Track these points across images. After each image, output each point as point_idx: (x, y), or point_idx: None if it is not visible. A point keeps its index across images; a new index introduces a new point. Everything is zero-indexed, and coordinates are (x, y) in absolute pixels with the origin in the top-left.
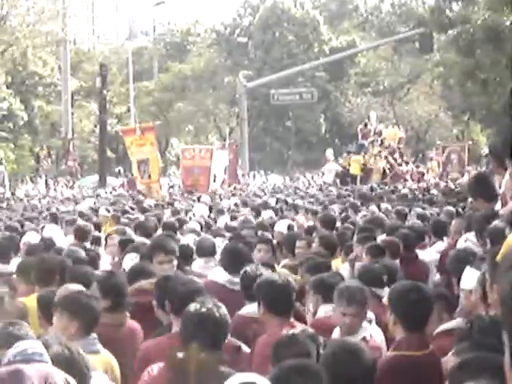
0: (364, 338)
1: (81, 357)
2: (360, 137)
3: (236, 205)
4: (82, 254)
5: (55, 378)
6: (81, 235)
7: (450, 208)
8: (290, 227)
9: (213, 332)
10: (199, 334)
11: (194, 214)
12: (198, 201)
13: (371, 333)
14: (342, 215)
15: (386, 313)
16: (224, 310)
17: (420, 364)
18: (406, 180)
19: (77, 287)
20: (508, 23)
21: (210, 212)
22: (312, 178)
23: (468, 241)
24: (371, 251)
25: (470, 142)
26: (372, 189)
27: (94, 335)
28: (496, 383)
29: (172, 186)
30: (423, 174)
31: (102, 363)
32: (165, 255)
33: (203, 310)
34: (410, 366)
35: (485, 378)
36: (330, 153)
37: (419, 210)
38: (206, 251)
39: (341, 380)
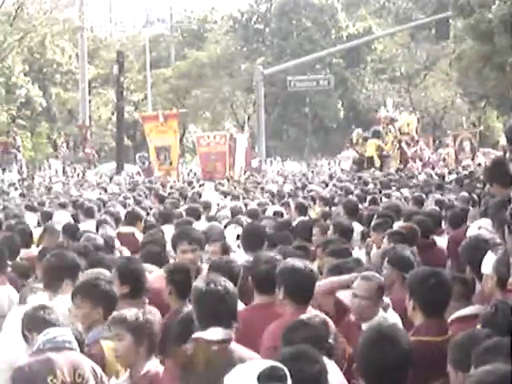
0: None
1: None
2: (375, 122)
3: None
4: (101, 240)
5: (84, 367)
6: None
7: (465, 194)
8: (275, 214)
9: (220, 308)
10: (208, 311)
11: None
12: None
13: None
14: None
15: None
16: (230, 285)
17: (439, 350)
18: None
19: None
20: None
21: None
22: (329, 164)
23: (482, 228)
24: (393, 237)
25: (481, 128)
26: (389, 175)
27: None
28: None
29: (188, 173)
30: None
31: None
32: (188, 244)
33: (207, 287)
34: (429, 352)
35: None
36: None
37: (437, 195)
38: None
39: (378, 366)
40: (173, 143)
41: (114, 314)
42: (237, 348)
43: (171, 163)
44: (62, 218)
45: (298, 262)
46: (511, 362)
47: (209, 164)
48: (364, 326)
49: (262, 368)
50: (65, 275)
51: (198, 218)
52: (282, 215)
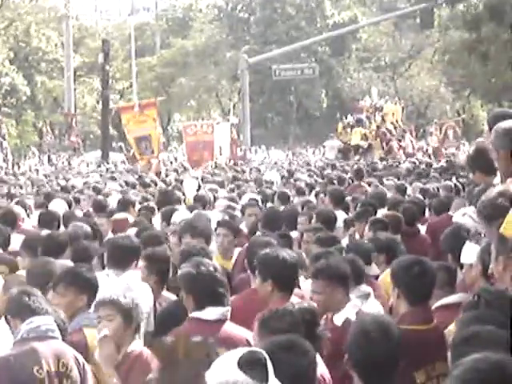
0: (346, 320)
1: None
2: (353, 112)
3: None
4: (88, 228)
5: (67, 356)
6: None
7: (449, 183)
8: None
9: (213, 288)
10: (202, 292)
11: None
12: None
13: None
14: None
15: (376, 290)
16: (217, 265)
17: (424, 338)
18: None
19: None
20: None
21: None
22: (313, 152)
23: (466, 215)
24: (374, 226)
25: (464, 116)
26: (373, 164)
27: None
28: (500, 356)
29: (171, 162)
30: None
31: None
32: (191, 238)
33: (198, 269)
34: (414, 340)
35: (488, 350)
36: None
37: (420, 184)
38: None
39: (369, 357)
40: (152, 132)
41: (104, 295)
42: (231, 327)
43: (153, 152)
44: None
45: (282, 252)
46: (498, 349)
47: (196, 153)
48: (335, 318)
49: (241, 354)
50: (131, 254)
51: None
52: (256, 202)
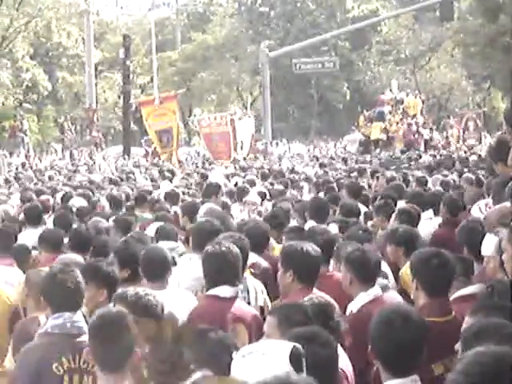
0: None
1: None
2: (378, 105)
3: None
4: (105, 224)
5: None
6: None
7: (469, 175)
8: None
9: (224, 267)
10: (213, 270)
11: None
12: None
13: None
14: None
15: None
16: (235, 248)
17: (443, 330)
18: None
19: (77, 257)
20: None
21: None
22: (335, 145)
23: (477, 207)
24: (400, 217)
25: (485, 109)
26: (395, 157)
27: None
28: (503, 348)
29: (198, 154)
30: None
31: None
32: None
33: (213, 249)
34: (432, 333)
35: (497, 343)
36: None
37: (440, 176)
38: None
39: (395, 346)
40: (173, 124)
41: (117, 292)
42: (242, 304)
43: (173, 145)
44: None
45: (306, 245)
46: (509, 343)
47: (213, 144)
48: (350, 306)
49: (289, 349)
50: (212, 238)
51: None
52: (264, 195)
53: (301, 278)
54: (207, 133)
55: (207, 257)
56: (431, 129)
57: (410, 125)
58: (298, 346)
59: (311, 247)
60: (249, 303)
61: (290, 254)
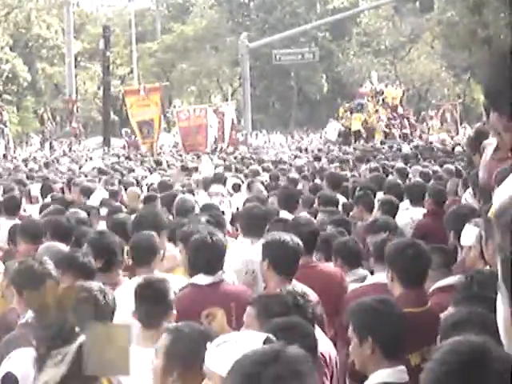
0: None
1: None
2: (357, 97)
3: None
4: (83, 214)
5: None
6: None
7: (450, 166)
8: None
9: (205, 256)
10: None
11: (200, 172)
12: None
13: None
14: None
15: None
16: (218, 236)
17: (419, 321)
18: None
19: (61, 246)
20: None
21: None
22: (321, 137)
23: (466, 200)
24: (383, 206)
25: (462, 100)
26: (375, 148)
27: None
28: (480, 338)
29: (175, 146)
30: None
31: None
32: None
33: (196, 238)
34: (409, 323)
35: (475, 333)
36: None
37: (419, 167)
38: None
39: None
40: (155, 116)
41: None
42: (228, 286)
43: (153, 137)
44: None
45: (284, 236)
46: (487, 333)
47: (189, 138)
48: None
49: (263, 339)
50: (264, 223)
51: None
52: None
53: (278, 269)
54: (185, 126)
55: (190, 246)
56: (408, 118)
57: (389, 119)
58: (271, 336)
59: (290, 238)
60: None
61: (267, 245)
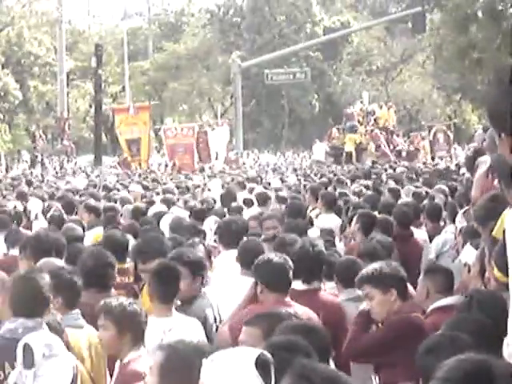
0: None
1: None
2: (345, 119)
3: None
4: (80, 231)
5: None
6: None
7: (442, 186)
8: None
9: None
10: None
11: (209, 190)
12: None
13: None
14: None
15: None
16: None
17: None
18: (391, 159)
19: (58, 262)
20: None
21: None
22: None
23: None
24: (362, 219)
25: (456, 121)
26: (368, 168)
27: (77, 310)
28: (484, 355)
29: (166, 165)
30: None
31: (86, 338)
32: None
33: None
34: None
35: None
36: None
37: (413, 188)
38: None
39: None
40: (142, 135)
41: (102, 303)
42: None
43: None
44: None
45: (270, 255)
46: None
47: (175, 156)
48: None
49: (256, 354)
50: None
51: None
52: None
53: (271, 287)
54: (172, 144)
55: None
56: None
57: (378, 136)
58: (266, 352)
59: (275, 255)
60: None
61: (256, 268)
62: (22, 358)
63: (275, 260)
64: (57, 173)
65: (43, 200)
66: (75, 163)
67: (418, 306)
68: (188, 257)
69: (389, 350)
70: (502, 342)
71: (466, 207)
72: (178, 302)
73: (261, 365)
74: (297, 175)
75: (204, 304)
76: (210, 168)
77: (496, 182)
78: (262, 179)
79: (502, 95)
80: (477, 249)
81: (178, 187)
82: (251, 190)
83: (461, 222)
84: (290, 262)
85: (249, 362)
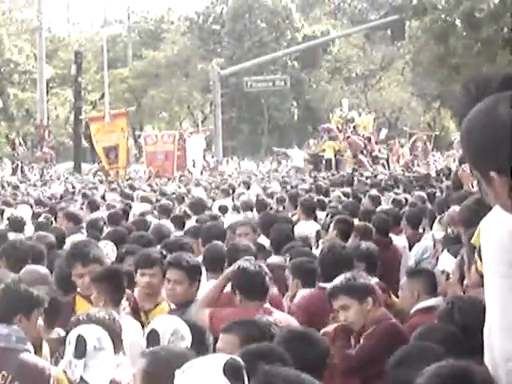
0: None
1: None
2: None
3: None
4: (52, 238)
5: (9, 368)
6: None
7: (421, 193)
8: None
9: None
10: None
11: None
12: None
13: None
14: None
15: None
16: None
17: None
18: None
19: (41, 269)
20: (485, 7)
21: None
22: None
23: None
24: (338, 225)
25: (437, 133)
26: (347, 175)
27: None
28: (463, 362)
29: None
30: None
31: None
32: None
33: None
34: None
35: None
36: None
37: (393, 194)
38: None
39: None
40: (120, 141)
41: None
42: None
43: (118, 162)
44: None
45: (245, 263)
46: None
47: (155, 163)
48: None
49: (225, 360)
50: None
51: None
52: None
53: (249, 296)
54: (151, 151)
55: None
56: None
57: (356, 143)
58: (236, 357)
59: (249, 263)
60: None
61: (233, 277)
62: (73, 348)
63: (250, 269)
64: (40, 180)
65: (31, 206)
66: (54, 171)
67: (387, 312)
68: (186, 261)
69: (379, 360)
70: (474, 349)
71: (442, 215)
72: (174, 306)
73: (229, 370)
74: (281, 183)
75: None
76: (185, 176)
77: None
78: (249, 186)
79: (488, 120)
80: (455, 256)
81: (163, 194)
82: (238, 197)
83: (437, 229)
84: (266, 269)
85: (217, 369)
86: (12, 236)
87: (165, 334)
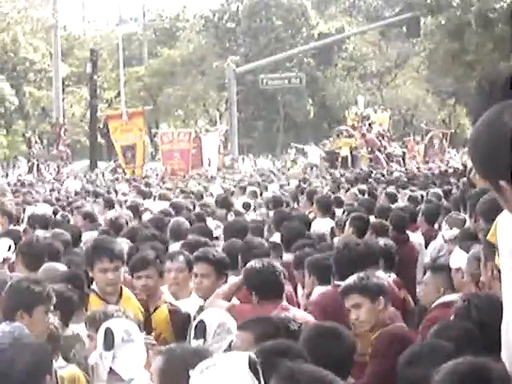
0: None
1: None
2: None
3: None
4: (68, 236)
5: None
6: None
7: (437, 190)
8: None
9: None
10: None
11: (211, 194)
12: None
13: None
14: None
15: None
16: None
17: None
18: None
19: (60, 266)
20: (498, 6)
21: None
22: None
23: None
24: (354, 223)
25: (453, 131)
26: (362, 172)
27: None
28: (480, 358)
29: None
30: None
31: None
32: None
33: None
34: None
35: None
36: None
37: (409, 192)
38: None
39: None
40: (138, 141)
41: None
42: None
43: (135, 161)
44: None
45: (259, 262)
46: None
47: (170, 161)
48: None
49: (248, 357)
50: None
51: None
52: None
53: (264, 295)
54: (168, 149)
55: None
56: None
57: (373, 140)
58: (253, 354)
59: (263, 262)
60: None
61: (246, 276)
62: (102, 341)
63: (264, 268)
64: (54, 178)
65: (51, 204)
66: (70, 169)
67: (397, 314)
68: (213, 255)
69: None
70: (491, 346)
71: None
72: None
73: (252, 366)
74: (298, 181)
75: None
76: (202, 174)
77: None
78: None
79: (493, 129)
80: (467, 252)
81: (182, 191)
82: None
83: (446, 229)
84: (280, 267)
85: (242, 367)
86: (40, 233)
87: (211, 326)
